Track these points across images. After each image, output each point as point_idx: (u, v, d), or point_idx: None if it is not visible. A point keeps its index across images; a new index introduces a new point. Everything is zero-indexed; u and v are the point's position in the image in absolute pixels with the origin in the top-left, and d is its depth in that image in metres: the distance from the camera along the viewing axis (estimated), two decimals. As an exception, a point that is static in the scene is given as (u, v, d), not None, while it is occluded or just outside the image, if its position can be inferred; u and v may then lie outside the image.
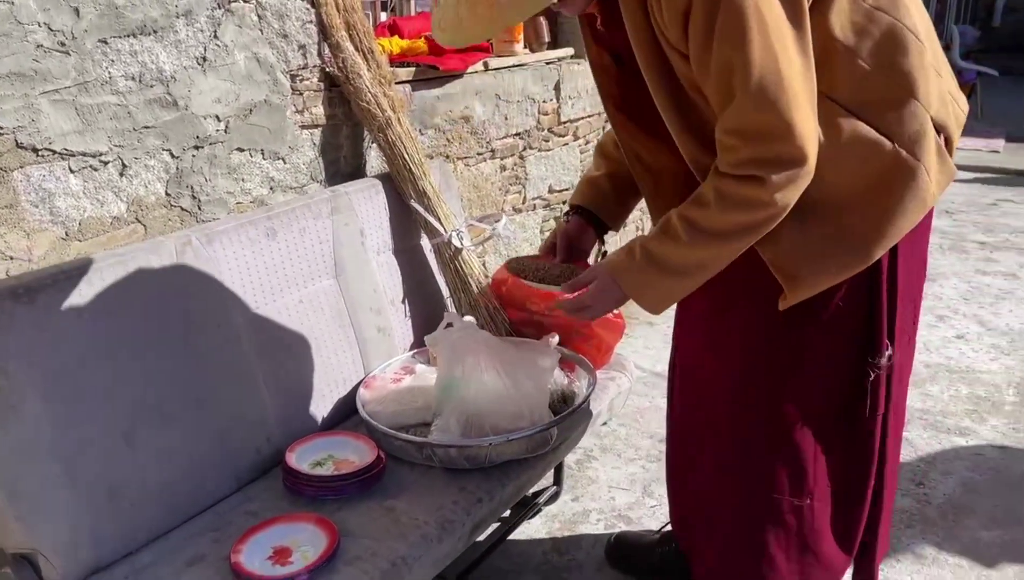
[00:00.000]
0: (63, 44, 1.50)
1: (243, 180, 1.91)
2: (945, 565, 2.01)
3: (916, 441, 2.55)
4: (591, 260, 1.82)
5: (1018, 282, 3.88)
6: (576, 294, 1.56)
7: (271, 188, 1.98)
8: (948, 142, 1.41)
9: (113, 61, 1.59)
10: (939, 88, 1.38)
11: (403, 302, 2.17)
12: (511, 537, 2.10)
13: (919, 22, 1.35)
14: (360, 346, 2.03)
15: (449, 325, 1.75)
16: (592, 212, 1.77)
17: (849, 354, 1.48)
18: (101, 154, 1.60)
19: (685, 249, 1.35)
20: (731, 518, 1.62)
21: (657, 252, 1.38)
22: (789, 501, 1.54)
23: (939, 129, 1.37)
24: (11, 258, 1.49)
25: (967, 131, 6.54)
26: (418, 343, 2.13)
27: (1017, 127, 7.45)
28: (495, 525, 2.07)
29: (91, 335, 1.49)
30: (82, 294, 1.48)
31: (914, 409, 2.74)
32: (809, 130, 1.22)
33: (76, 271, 1.49)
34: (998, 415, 2.70)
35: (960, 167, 6.15)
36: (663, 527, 2.02)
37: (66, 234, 1.57)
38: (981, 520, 2.17)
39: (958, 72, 8.44)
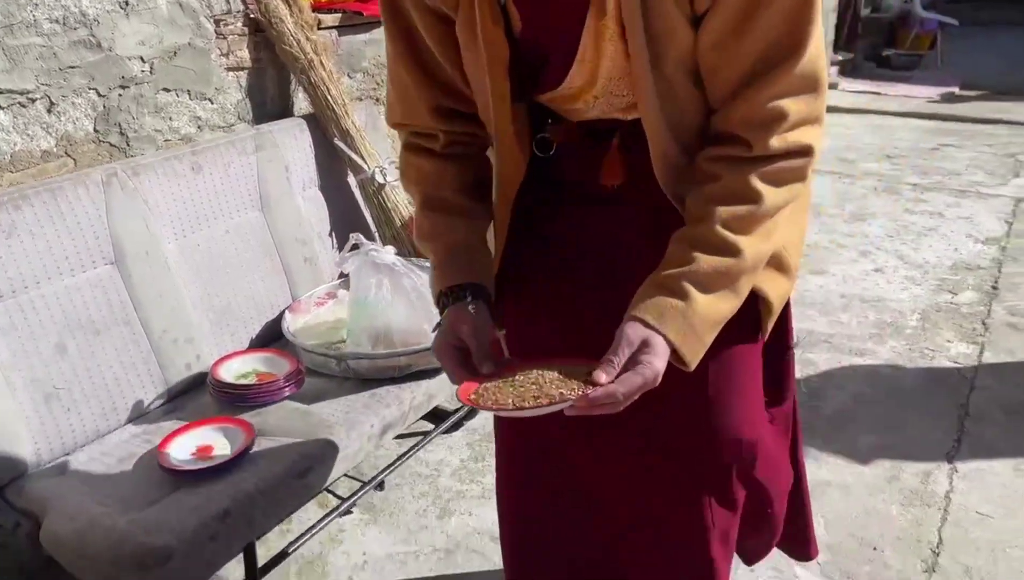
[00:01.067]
0: (-13, -11, 1.63)
1: (171, 119, 2.04)
2: (825, 464, 2.22)
3: (818, 361, 2.75)
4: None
5: (943, 220, 4.07)
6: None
7: (199, 127, 2.12)
8: None
9: (37, 5, 1.72)
10: None
11: (330, 235, 2.33)
12: (431, 447, 2.28)
13: None
14: (287, 274, 2.19)
15: (355, 246, 1.91)
16: (483, 287, 1.20)
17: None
18: (29, 92, 1.74)
19: (743, 266, 1.01)
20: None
21: (706, 277, 1.01)
22: None
23: None
24: (-54, 187, 1.63)
25: (922, 79, 6.67)
26: (342, 274, 2.29)
27: (972, 76, 7.60)
28: (426, 429, 2.24)
29: (23, 255, 1.64)
30: (14, 218, 1.63)
31: (821, 333, 2.93)
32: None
33: (8, 198, 1.64)
34: (898, 337, 2.90)
35: (911, 114, 6.36)
36: None
37: (-2, 166, 1.72)
38: (863, 427, 2.38)
39: (920, 22, 8.59)
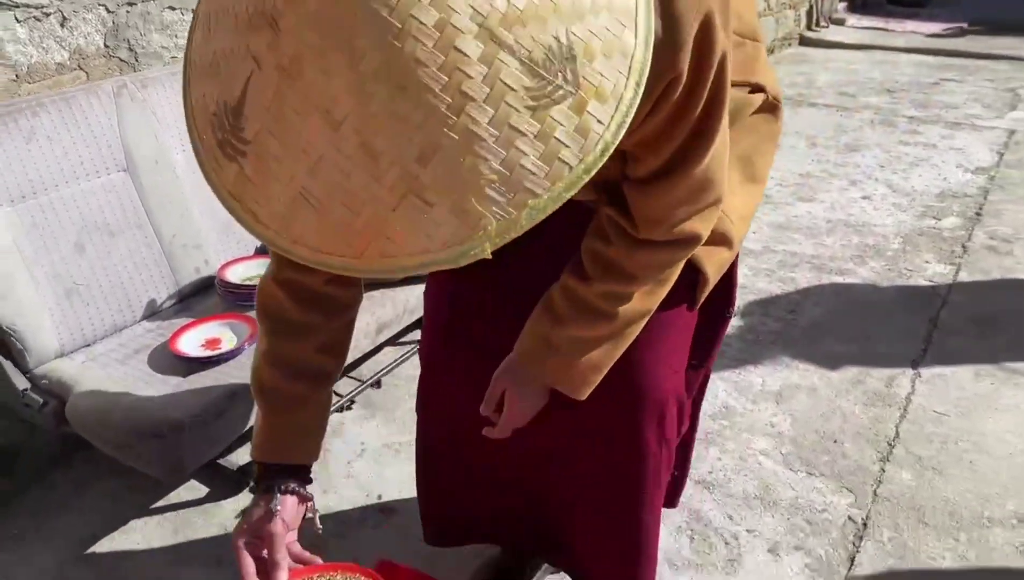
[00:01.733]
0: (1, -94, 1.73)
1: (176, 36, 2.15)
2: (796, 370, 2.35)
3: (799, 280, 2.87)
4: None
5: (936, 151, 4.13)
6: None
7: (203, 45, 2.22)
8: None
9: (48, -78, 1.81)
10: None
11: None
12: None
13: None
14: (289, 187, 2.30)
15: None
16: (298, 468, 1.17)
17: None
18: (43, 7, 1.84)
19: (617, 319, 1.08)
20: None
21: (588, 335, 1.09)
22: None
23: None
24: (-31, 95, 1.75)
25: (932, 16, 6.62)
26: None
27: (980, 13, 7.53)
28: (413, 345, 2.39)
29: (42, 159, 1.77)
30: (33, 125, 1.76)
31: (806, 255, 3.05)
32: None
33: (26, 105, 1.76)
34: (879, 259, 3.01)
35: (915, 50, 6.34)
36: None
37: (16, 76, 1.83)
38: (836, 338, 2.51)
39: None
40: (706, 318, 1.31)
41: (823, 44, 6.75)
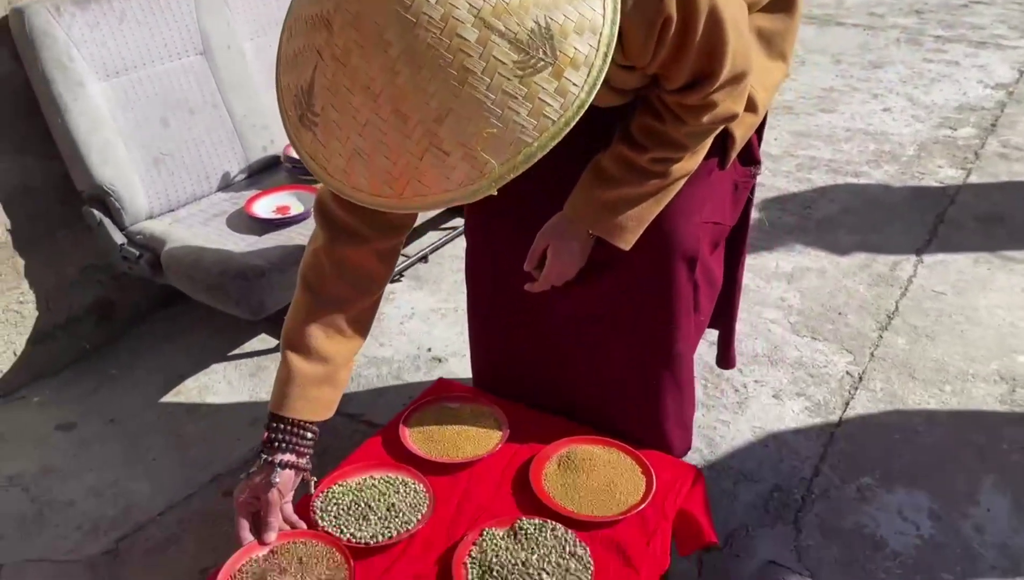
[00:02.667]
0: None
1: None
2: (807, 255, 2.55)
3: (815, 180, 3.04)
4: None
5: (959, 68, 4.23)
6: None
7: (266, -57, 2.40)
8: None
9: None
10: None
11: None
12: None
13: None
14: (344, 79, 2.50)
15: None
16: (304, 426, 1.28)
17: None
18: (128, -99, 2.03)
19: (665, 177, 1.22)
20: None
21: (636, 193, 1.23)
22: None
23: None
24: (67, -21, 1.95)
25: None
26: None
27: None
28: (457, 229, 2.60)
29: (131, 40, 1.98)
30: (124, 8, 1.96)
31: (823, 159, 3.21)
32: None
33: (117, -9, 1.97)
34: (894, 163, 3.17)
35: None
36: None
37: (106, -35, 2.02)
38: (847, 229, 2.69)
39: None
40: (733, 177, 1.51)
41: (855, -32, 6.73)
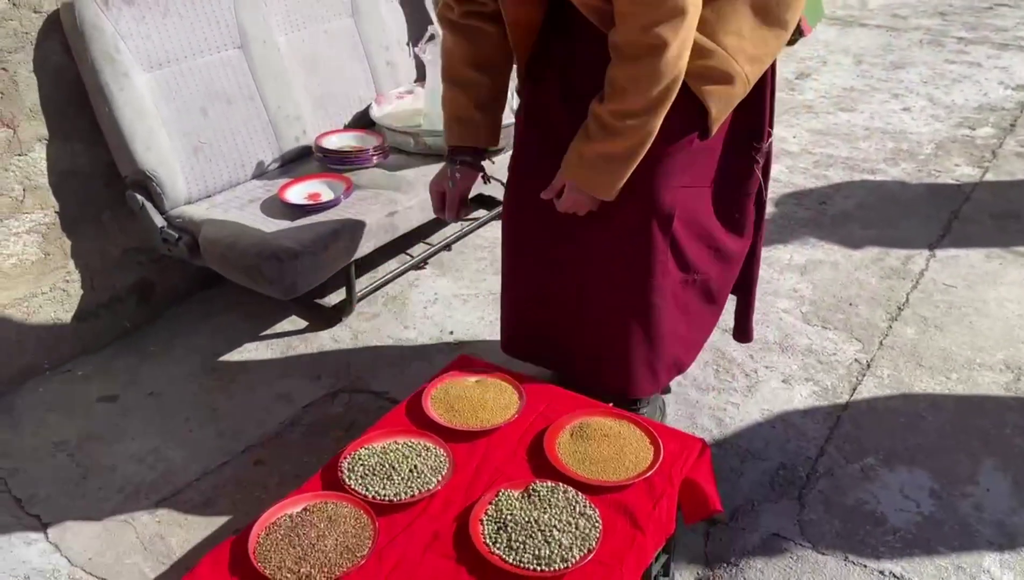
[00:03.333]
0: None
1: (278, -67, 2.43)
2: (821, 248, 2.61)
3: (832, 177, 3.09)
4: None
5: (980, 70, 4.25)
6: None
7: (301, -57, 2.51)
8: None
9: None
10: None
11: (408, 44, 2.72)
12: (488, 228, 2.73)
13: None
14: (372, 73, 2.60)
15: (432, 36, 2.30)
16: (473, 149, 1.68)
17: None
18: (172, -98, 2.14)
19: (626, 137, 1.40)
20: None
21: (607, 152, 1.42)
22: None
23: None
24: (115, -24, 2.07)
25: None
26: (421, 76, 2.70)
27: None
28: (482, 215, 2.69)
29: (173, 33, 2.09)
30: (167, 2, 2.07)
31: (841, 157, 3.26)
32: None
33: (161, -13, 2.08)
34: (910, 161, 3.21)
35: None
36: None
37: (151, -37, 2.14)
38: (861, 224, 2.75)
39: None
40: (736, 150, 1.60)
41: (881, -31, 6.74)
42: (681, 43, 1.31)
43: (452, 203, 1.73)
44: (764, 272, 2.47)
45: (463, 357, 1.69)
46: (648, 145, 1.42)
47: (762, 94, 1.59)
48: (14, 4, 1.87)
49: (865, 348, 2.14)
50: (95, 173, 2.11)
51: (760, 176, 1.70)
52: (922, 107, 3.77)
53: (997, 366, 2.06)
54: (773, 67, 1.58)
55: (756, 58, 1.45)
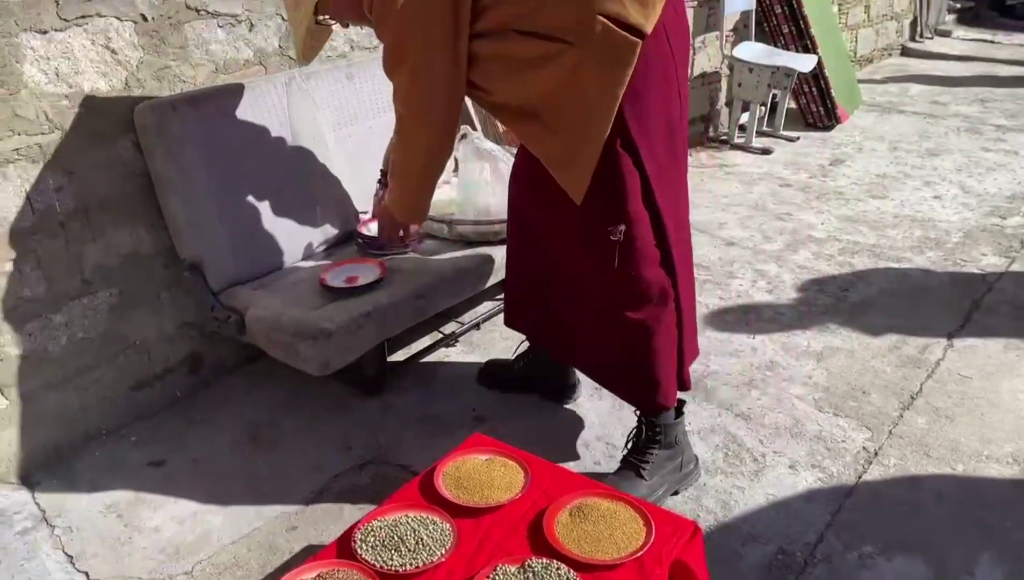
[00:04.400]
0: (213, -60, 2.29)
1: (332, 39, 2.68)
2: (838, 336, 2.68)
3: (857, 264, 3.17)
4: None
5: (1017, 158, 4.30)
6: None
7: (352, 47, 2.75)
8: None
9: (244, -49, 2.37)
10: None
11: (447, 137, 2.93)
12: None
13: None
14: (414, 164, 2.80)
15: (464, 136, 2.50)
16: None
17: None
18: (237, 15, 2.40)
19: (396, 180, 2.03)
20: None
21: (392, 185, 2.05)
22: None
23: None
24: (183, 81, 2.32)
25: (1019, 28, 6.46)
26: (454, 168, 2.89)
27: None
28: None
29: (232, 132, 2.32)
30: (226, 106, 2.31)
31: (867, 245, 3.34)
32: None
33: (223, 91, 2.32)
34: (937, 249, 3.27)
35: (1016, 62, 6.38)
36: (516, 351, 2.45)
37: (215, 69, 2.39)
38: (882, 312, 2.81)
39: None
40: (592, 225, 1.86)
41: (925, 55, 6.85)
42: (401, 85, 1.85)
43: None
44: (781, 358, 2.56)
45: (476, 436, 1.82)
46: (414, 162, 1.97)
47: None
48: (92, 106, 2.12)
49: (874, 436, 2.20)
50: (156, 255, 2.33)
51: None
52: (953, 195, 3.83)
53: (1005, 458, 2.10)
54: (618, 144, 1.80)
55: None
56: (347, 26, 2.05)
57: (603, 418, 2.30)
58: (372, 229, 2.55)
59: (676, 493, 2.01)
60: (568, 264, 1.98)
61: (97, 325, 2.23)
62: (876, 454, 2.13)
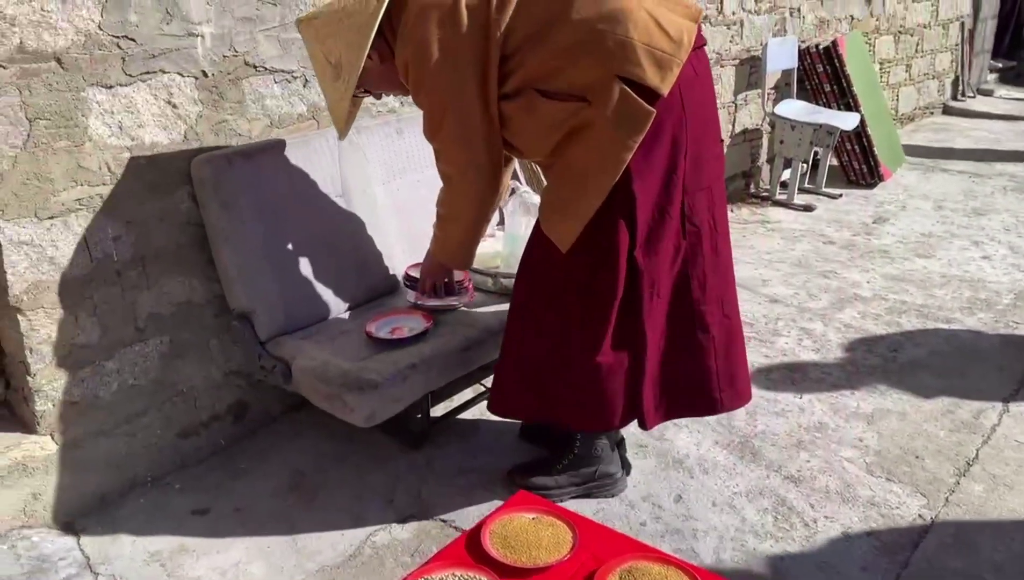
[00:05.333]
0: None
1: (382, 95, 2.74)
2: (889, 398, 2.62)
3: (905, 324, 3.12)
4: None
5: (1067, 218, 4.24)
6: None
7: (401, 103, 2.81)
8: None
9: (303, 10, 2.44)
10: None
11: (493, 191, 2.96)
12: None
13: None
14: (459, 218, 2.83)
15: (513, 191, 2.52)
16: None
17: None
18: (292, 72, 2.46)
19: (443, 231, 2.16)
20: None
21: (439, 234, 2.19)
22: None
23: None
24: (239, 135, 2.38)
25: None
26: (500, 221, 2.91)
27: None
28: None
29: (285, 185, 2.36)
30: (280, 160, 2.36)
31: (915, 305, 3.29)
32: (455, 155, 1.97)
33: (277, 145, 2.37)
34: (988, 311, 3.21)
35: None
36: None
37: (270, 123, 2.45)
38: (932, 374, 2.75)
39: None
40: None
41: (967, 114, 6.83)
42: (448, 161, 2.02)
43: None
44: (830, 420, 2.51)
45: (522, 493, 1.79)
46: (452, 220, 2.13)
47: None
48: (152, 159, 2.18)
49: (930, 503, 2.13)
50: (207, 304, 2.36)
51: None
52: (1003, 255, 3.77)
53: (1069, 530, 2.02)
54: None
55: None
56: (380, 97, 2.17)
57: (647, 477, 2.27)
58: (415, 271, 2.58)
59: (587, 496, 2.18)
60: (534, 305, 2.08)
61: (148, 372, 2.26)
62: (933, 523, 2.07)
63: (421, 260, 2.64)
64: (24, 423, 2.13)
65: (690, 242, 1.96)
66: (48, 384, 2.07)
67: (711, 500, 2.17)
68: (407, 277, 2.51)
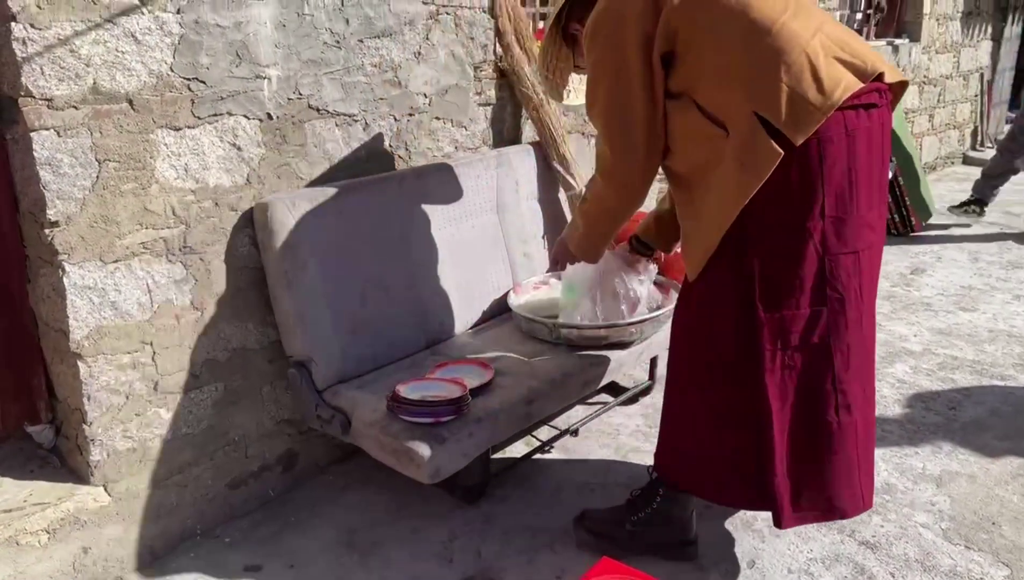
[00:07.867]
0: (338, 42, 2.33)
1: (438, 140, 2.70)
2: (956, 459, 2.55)
3: (959, 380, 3.05)
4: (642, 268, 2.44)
5: (1106, 273, 4.19)
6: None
7: (456, 147, 2.77)
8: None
9: (365, 53, 2.41)
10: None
11: (543, 237, 2.92)
12: (612, 414, 2.79)
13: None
14: (511, 264, 2.79)
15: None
16: (643, 241, 2.38)
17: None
18: (353, 115, 2.43)
19: (582, 218, 2.18)
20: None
21: (577, 221, 2.23)
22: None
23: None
24: (300, 178, 2.33)
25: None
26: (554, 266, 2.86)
27: None
28: (607, 401, 2.77)
29: (345, 229, 2.31)
30: (340, 203, 2.31)
31: (967, 359, 3.23)
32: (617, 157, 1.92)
33: (338, 188, 2.32)
34: (1041, 368, 3.16)
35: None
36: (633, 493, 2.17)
37: (331, 166, 2.40)
38: (995, 434, 2.68)
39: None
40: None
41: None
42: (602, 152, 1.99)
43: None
44: (897, 480, 2.43)
45: (606, 560, 1.72)
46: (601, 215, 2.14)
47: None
48: (216, 204, 2.13)
49: (1014, 574, 2.05)
50: (262, 350, 2.29)
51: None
52: (1049, 310, 3.72)
53: None
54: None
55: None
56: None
57: (718, 540, 2.18)
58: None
59: (656, 555, 2.08)
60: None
61: (200, 420, 2.19)
62: (1020, 594, 1.99)
63: (474, 312, 2.60)
64: (76, 473, 2.05)
65: (831, 310, 1.79)
66: (104, 433, 2.00)
67: (787, 567, 2.08)
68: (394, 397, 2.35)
